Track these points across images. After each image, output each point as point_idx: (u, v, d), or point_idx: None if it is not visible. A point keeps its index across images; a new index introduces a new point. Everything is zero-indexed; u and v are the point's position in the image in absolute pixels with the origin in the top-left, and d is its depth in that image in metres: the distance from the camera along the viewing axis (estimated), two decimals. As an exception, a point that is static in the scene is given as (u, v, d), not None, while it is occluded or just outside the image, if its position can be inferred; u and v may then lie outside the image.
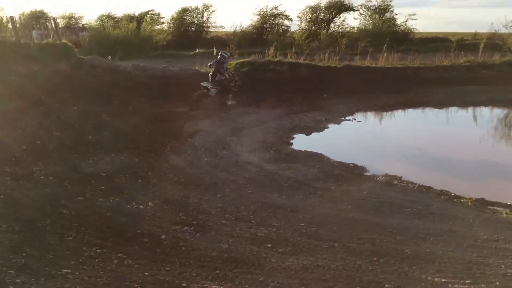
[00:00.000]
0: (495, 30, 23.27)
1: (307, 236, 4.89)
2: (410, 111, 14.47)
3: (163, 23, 33.14)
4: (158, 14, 33.07)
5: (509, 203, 6.48)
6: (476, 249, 4.65)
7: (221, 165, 7.84)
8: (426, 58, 19.40)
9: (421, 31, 34.81)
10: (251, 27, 32.26)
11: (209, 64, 12.89)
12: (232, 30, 30.92)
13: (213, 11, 33.80)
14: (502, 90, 16.15)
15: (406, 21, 33.22)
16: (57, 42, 11.63)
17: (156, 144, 8.37)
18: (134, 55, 21.30)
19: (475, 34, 31.28)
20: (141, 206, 5.38)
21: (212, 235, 4.76)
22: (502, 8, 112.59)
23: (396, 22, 33.54)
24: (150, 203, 5.49)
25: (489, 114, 14.35)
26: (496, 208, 6.37)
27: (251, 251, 4.39)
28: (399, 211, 5.96)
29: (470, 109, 14.67)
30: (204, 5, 33.43)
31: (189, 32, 32.45)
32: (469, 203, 6.46)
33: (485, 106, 14.92)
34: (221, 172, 7.42)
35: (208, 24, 33.87)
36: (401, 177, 7.58)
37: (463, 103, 14.96)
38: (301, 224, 5.26)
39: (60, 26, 25.59)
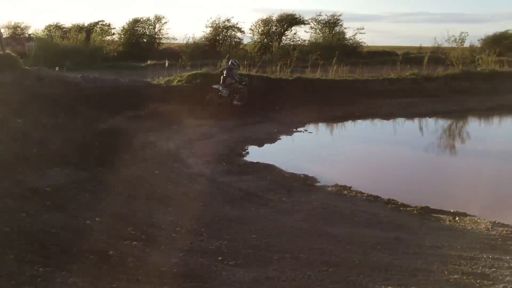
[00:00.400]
0: (438, 45, 24.32)
1: (258, 248, 4.90)
2: (359, 122, 14.86)
3: (113, 34, 32.67)
4: (109, 25, 32.60)
5: (452, 211, 6.75)
6: (421, 256, 4.80)
7: (172, 177, 7.75)
8: (374, 70, 20.03)
9: (369, 44, 36.01)
10: (203, 39, 32.30)
11: (220, 70, 14.54)
12: (184, 42, 30.82)
13: (165, 22, 33.68)
14: (444, 102, 16.89)
15: (355, 35, 34.31)
16: (0, 52, 11.20)
17: (105, 157, 8.16)
18: (83, 66, 20.82)
19: (420, 48, 32.65)
20: (88, 222, 5.22)
21: (162, 250, 4.68)
22: (444, 23, 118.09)
23: (346, 36, 34.56)
24: (97, 218, 5.33)
25: (434, 125, 14.93)
26: (440, 215, 6.62)
27: (202, 264, 4.34)
28: (348, 220, 6.08)
29: (415, 120, 15.22)
30: (156, 16, 33.21)
31: (141, 44, 32.15)
32: (415, 211, 6.68)
33: (429, 117, 15.52)
34: (172, 185, 7.34)
35: (160, 36, 33.66)
36: (351, 187, 7.76)
37: (409, 114, 15.52)
38: (253, 236, 5.27)
39: (5, 36, 24.65)
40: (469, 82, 18.98)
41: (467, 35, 21.77)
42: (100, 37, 29.67)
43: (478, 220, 6.28)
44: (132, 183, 7.10)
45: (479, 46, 30.81)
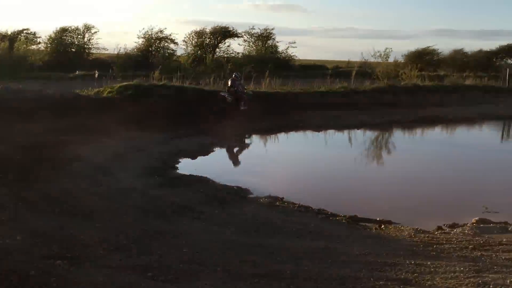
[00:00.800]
0: (365, 59, 25.47)
1: (189, 262, 4.83)
2: (291, 134, 15.18)
3: (39, 43, 31.30)
4: (34, 33, 31.21)
5: (378, 219, 7.02)
6: (349, 264, 4.94)
7: (101, 192, 7.48)
8: (305, 83, 20.56)
9: (301, 58, 36.96)
10: (135, 49, 31.72)
11: (229, 80, 16.32)
12: (115, 52, 30.11)
13: (95, 32, 32.76)
14: (371, 114, 17.62)
15: (287, 48, 35.14)
16: None
17: (27, 172, 7.76)
18: (6, 77, 19.70)
19: (348, 62, 33.95)
20: (7, 241, 4.91)
21: (87, 268, 4.49)
22: (371, 39, 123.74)
23: (278, 49, 35.27)
24: (18, 237, 5.04)
25: (362, 136, 15.55)
26: (367, 224, 6.86)
27: (130, 281, 4.21)
28: (280, 231, 6.16)
29: (345, 132, 15.76)
30: (85, 25, 32.24)
31: (69, 53, 31.01)
32: (343, 221, 6.88)
33: (357, 129, 16.15)
34: (101, 200, 7.08)
35: (90, 46, 32.68)
36: (283, 198, 7.87)
37: (339, 126, 16.05)
38: (184, 250, 5.19)
39: None
40: (393, 95, 19.95)
41: (391, 50, 23.03)
42: (25, 46, 28.30)
43: (402, 228, 6.57)
44: (57, 198, 6.78)
45: (402, 61, 32.55)
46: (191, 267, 4.69)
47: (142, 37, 32.19)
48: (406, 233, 6.31)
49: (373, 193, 9.04)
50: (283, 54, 35.06)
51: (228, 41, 35.04)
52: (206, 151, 11.73)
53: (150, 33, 32.17)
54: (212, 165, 10.77)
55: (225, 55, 33.86)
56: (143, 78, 17.00)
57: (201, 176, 8.98)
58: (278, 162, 11.65)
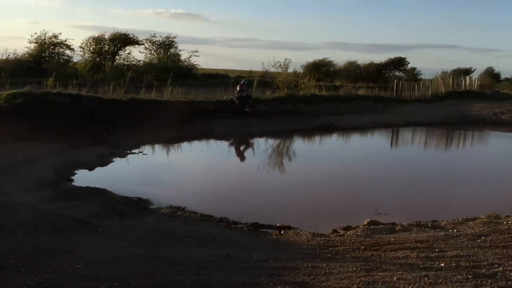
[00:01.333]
0: (266, 69, 26.08)
1: (84, 278, 4.60)
2: (194, 142, 15.11)
3: None
4: None
5: (278, 225, 7.23)
6: (249, 270, 5.01)
7: (-15, 209, 6.89)
8: (208, 92, 20.60)
9: (204, 67, 36.97)
10: (27, 55, 29.69)
11: (238, 87, 19.34)
12: (4, 57, 27.93)
13: (-19, 35, 30.17)
14: (273, 123, 18.13)
15: (189, 57, 34.92)
16: None
17: None
18: None
19: (250, 72, 34.64)
20: None
21: (-32, 292, 4.11)
22: (272, 50, 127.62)
23: (181, 58, 34.97)
24: None
25: (264, 144, 15.90)
26: (267, 230, 7.03)
27: (18, 304, 3.92)
28: (181, 241, 6.09)
29: (247, 140, 16.03)
30: (-32, 28, 29.59)
31: None
32: (245, 228, 6.98)
33: (259, 137, 16.51)
34: (-16, 217, 6.51)
35: (-28, 50, 30.00)
36: (185, 207, 7.80)
37: (241, 135, 16.29)
38: (78, 266, 4.93)
39: None
40: (293, 104, 20.69)
41: (291, 61, 23.72)
42: None
43: (301, 232, 6.81)
44: None
45: (301, 71, 33.86)
46: (86, 284, 4.47)
47: (35, 42, 30.21)
48: (304, 237, 6.55)
49: (275, 199, 9.27)
50: (185, 63, 34.85)
51: (129, 49, 34.12)
52: (105, 162, 11.28)
53: (43, 38, 30.30)
54: (112, 176, 10.37)
55: (126, 63, 32.94)
56: (35, 85, 15.94)
57: (99, 188, 8.63)
58: (180, 172, 11.54)
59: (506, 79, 47.22)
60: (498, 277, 4.92)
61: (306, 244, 6.22)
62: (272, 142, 16.34)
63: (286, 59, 23.53)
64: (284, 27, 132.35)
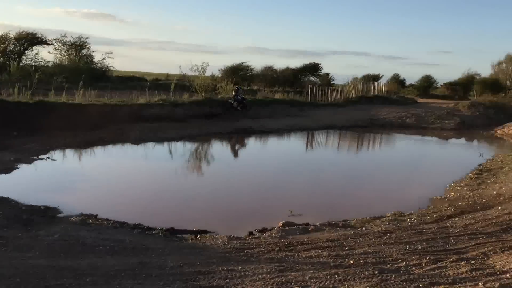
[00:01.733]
0: (184, 73, 25.89)
1: (-18, 295, 4.27)
2: (109, 147, 14.58)
3: None
4: None
5: (194, 229, 7.18)
6: (163, 277, 4.92)
7: None
8: (123, 95, 20.03)
9: (119, 69, 35.86)
10: None
11: (233, 91, 22.40)
12: None
13: None
14: (190, 127, 18.02)
15: (103, 59, 33.66)
16: None
17: None
18: None
19: (168, 75, 34.14)
20: None
21: None
22: (190, 53, 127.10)
23: (94, 60, 33.63)
24: None
25: (182, 148, 15.74)
26: (184, 235, 6.96)
27: None
28: (92, 250, 5.83)
29: (164, 144, 15.74)
30: None
31: None
32: (160, 234, 6.85)
33: (177, 141, 16.31)
34: None
35: None
36: (97, 215, 7.51)
37: (158, 139, 15.97)
38: (-24, 282, 4.56)
39: None
40: (210, 108, 20.70)
41: (208, 65, 23.78)
42: None
43: (217, 236, 6.82)
44: None
45: (219, 75, 33.97)
46: (-16, 301, 4.15)
47: None
48: (220, 241, 6.55)
49: (192, 204, 9.21)
50: (99, 65, 33.56)
51: (37, 49, 32.21)
52: (8, 168, 10.55)
53: None
54: (16, 184, 9.73)
55: (33, 64, 31.02)
56: None
57: (1, 197, 8.04)
58: (93, 178, 11.06)
59: (411, 85, 50.51)
60: (401, 271, 5.24)
61: (222, 247, 6.23)
62: (189, 146, 16.21)
63: (203, 62, 23.62)
64: (203, 30, 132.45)
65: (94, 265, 5.23)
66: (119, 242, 6.17)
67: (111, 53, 33.75)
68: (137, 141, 15.36)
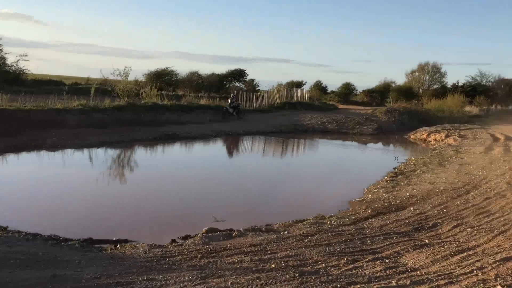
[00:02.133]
0: (105, 77, 25.02)
1: None
2: (22, 155, 13.76)
3: None
4: None
5: (114, 239, 6.94)
6: (78, 290, 4.71)
7: None
8: (39, 100, 18.99)
9: (35, 72, 33.94)
10: None
11: (229, 99, 26.82)
12: None
13: None
14: (113, 133, 17.43)
15: (17, 61, 31.70)
16: None
17: None
18: None
19: (88, 79, 32.87)
20: None
21: None
22: (112, 56, 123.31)
23: (7, 62, 31.61)
24: None
25: (103, 155, 15.13)
26: (102, 245, 6.70)
27: None
28: (3, 264, 5.44)
29: (84, 151, 15.10)
30: None
31: None
32: (77, 245, 6.55)
33: (98, 147, 15.70)
34: None
35: None
36: (7, 227, 7.06)
37: (77, 145, 15.29)
38: None
39: None
40: (134, 113, 20.19)
41: (131, 69, 23.09)
42: None
43: (138, 245, 6.63)
44: None
45: (143, 80, 33.25)
46: None
47: None
48: (141, 249, 6.38)
49: (112, 213, 8.90)
50: (12, 67, 31.57)
51: None
52: None
53: None
54: None
55: None
56: None
57: None
58: (3, 188, 10.36)
59: (332, 91, 52.42)
60: (321, 273, 5.39)
61: (143, 256, 6.06)
62: (110, 153, 15.62)
63: (126, 67, 22.81)
64: (126, 34, 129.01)
65: (3, 281, 4.89)
66: (32, 255, 5.81)
67: (26, 55, 31.74)
68: (54, 148, 14.61)
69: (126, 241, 6.91)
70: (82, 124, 17.40)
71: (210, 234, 7.24)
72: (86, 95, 20.99)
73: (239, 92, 31.96)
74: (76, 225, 7.85)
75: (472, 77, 56.68)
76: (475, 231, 7.44)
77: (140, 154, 16.30)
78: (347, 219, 8.27)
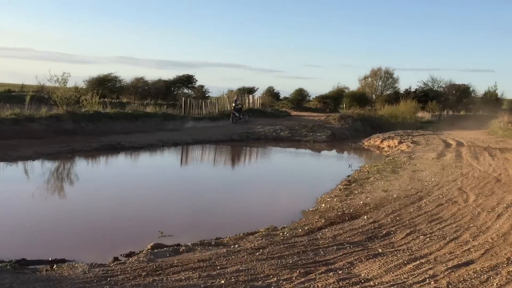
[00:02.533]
0: (42, 84, 23.71)
1: None
2: None
3: None
4: None
5: (50, 259, 6.39)
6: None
7: None
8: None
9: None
10: None
11: (233, 103, 30.39)
12: None
13: None
14: (50, 143, 16.47)
15: None
16: None
17: None
18: None
19: (23, 86, 31.21)
20: None
21: None
22: (49, 62, 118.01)
23: None
24: None
25: (39, 168, 14.17)
26: (37, 266, 6.14)
27: None
28: None
29: (18, 164, 14.11)
30: None
31: None
32: (8, 266, 5.93)
33: (33, 160, 14.72)
34: None
35: None
36: None
37: (10, 158, 14.25)
38: None
39: None
40: (74, 122, 19.22)
41: (70, 75, 21.62)
42: None
43: (77, 265, 6.11)
44: None
45: (84, 87, 31.95)
46: None
47: None
48: (80, 269, 5.87)
49: (49, 231, 8.29)
50: None
51: None
52: None
53: None
54: None
55: None
56: None
57: None
58: None
59: (285, 97, 51.94)
60: (272, 287, 5.11)
61: (81, 277, 5.56)
62: (48, 166, 14.64)
63: (64, 72, 21.37)
64: (64, 37, 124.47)
65: None
66: (-48, 282, 5.18)
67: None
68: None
69: (63, 260, 6.38)
70: (16, 135, 16.29)
71: (155, 250, 6.81)
72: (21, 103, 19.80)
73: (187, 99, 31.28)
74: (8, 245, 7.23)
75: (424, 82, 58.72)
76: (428, 239, 7.44)
77: (81, 166, 15.38)
78: (300, 230, 8.07)
